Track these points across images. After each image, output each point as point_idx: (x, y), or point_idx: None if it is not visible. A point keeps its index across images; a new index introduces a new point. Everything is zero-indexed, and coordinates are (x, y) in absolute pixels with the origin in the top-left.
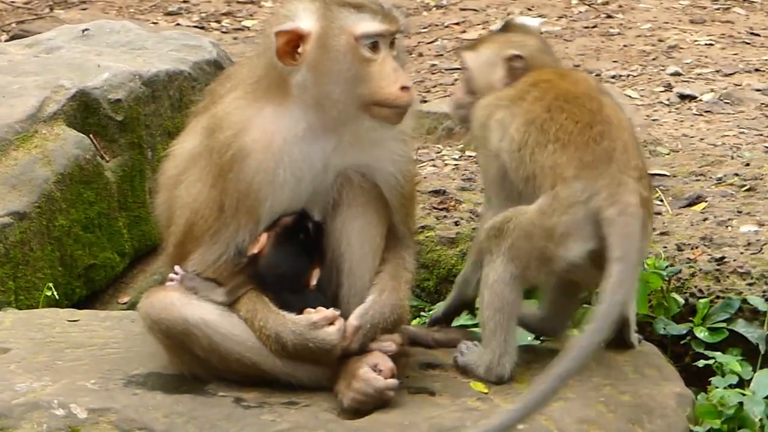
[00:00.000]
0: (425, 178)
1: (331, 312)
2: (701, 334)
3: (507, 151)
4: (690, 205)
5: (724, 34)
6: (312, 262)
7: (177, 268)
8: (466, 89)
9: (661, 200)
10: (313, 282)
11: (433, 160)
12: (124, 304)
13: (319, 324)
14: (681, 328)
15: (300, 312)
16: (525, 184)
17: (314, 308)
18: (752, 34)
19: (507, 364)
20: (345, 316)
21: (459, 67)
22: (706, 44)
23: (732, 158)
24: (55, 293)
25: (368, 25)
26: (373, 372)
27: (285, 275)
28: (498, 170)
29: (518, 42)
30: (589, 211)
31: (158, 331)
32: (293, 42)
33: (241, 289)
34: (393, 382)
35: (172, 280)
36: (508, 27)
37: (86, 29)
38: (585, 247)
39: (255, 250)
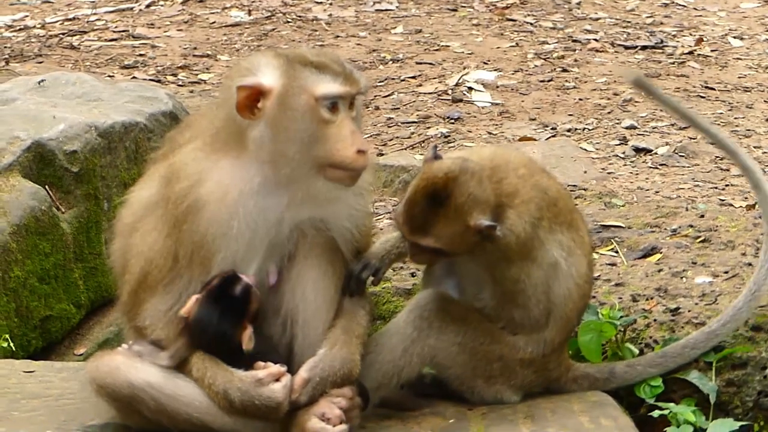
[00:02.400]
0: (381, 230)
1: (276, 368)
2: (655, 384)
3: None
4: (645, 256)
5: (679, 88)
6: (239, 324)
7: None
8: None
9: (616, 251)
10: (246, 342)
11: (389, 212)
12: (80, 355)
13: (264, 381)
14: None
15: (250, 368)
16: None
17: (259, 360)
18: (707, 87)
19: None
20: (298, 367)
21: (414, 120)
22: None
23: (687, 210)
24: (11, 344)
25: (329, 86)
26: (321, 422)
27: (212, 337)
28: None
29: (482, 204)
30: None
31: (105, 394)
32: (253, 97)
33: (183, 351)
34: (342, 428)
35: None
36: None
37: (42, 80)
38: None
39: (183, 314)
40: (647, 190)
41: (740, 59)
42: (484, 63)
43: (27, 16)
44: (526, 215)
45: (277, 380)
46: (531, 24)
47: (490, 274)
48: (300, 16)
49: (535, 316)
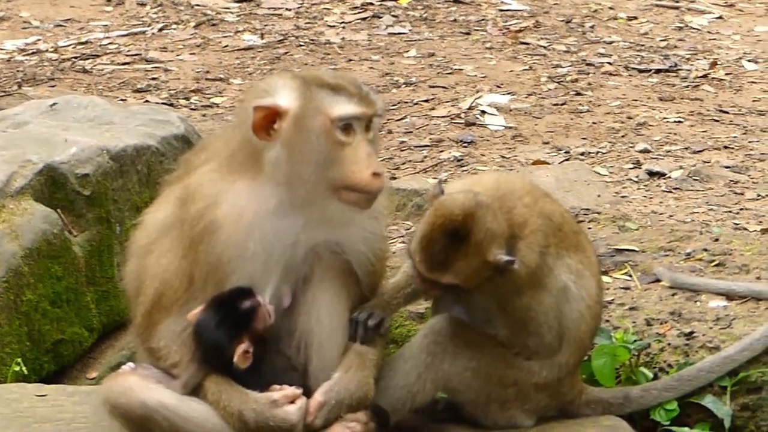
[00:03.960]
0: (394, 253)
1: (292, 390)
2: (671, 407)
3: None
4: (659, 280)
5: (693, 112)
6: (237, 337)
7: (128, 363)
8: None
9: (630, 275)
10: (238, 356)
11: (402, 236)
12: (93, 379)
13: (279, 402)
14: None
15: (265, 390)
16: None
17: (275, 383)
18: (721, 111)
19: None
20: (313, 390)
21: (427, 144)
22: (675, 121)
23: (701, 234)
24: (23, 368)
25: (344, 107)
26: None
27: (206, 344)
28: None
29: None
30: None
31: (118, 415)
32: (270, 118)
33: (196, 378)
34: None
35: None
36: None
37: (54, 104)
38: None
39: (189, 317)
40: (661, 213)
41: (754, 83)
42: (498, 86)
43: (39, 39)
44: (535, 245)
45: (292, 402)
46: (544, 47)
47: (499, 304)
48: (313, 40)
49: (548, 342)
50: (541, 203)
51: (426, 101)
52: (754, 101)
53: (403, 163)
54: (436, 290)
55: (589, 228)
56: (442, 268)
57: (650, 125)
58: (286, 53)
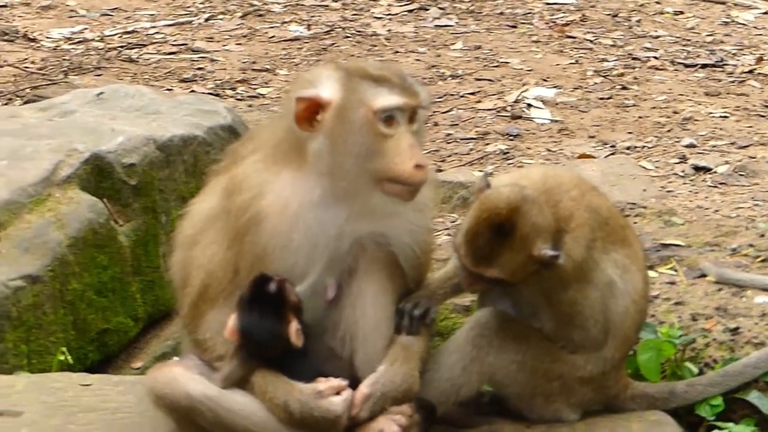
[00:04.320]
0: (440, 246)
1: (337, 382)
2: (716, 403)
3: None
4: (704, 275)
5: (738, 107)
6: (283, 318)
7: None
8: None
9: (676, 270)
10: (294, 337)
11: (447, 229)
12: (138, 369)
13: (324, 393)
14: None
15: (312, 380)
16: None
17: (322, 375)
18: (767, 106)
19: None
20: (358, 383)
21: (473, 137)
22: (720, 116)
23: (747, 229)
24: (68, 357)
25: (387, 99)
26: None
27: (262, 340)
28: None
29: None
30: None
31: (163, 405)
32: (312, 109)
33: (238, 372)
34: None
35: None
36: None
37: (101, 93)
38: None
39: (228, 336)
40: (707, 209)
41: None
42: (544, 80)
43: (86, 28)
44: (581, 239)
45: (338, 393)
46: (591, 41)
47: (545, 298)
48: (359, 31)
49: (593, 336)
50: (588, 197)
51: (472, 94)
52: None
53: (449, 156)
54: (481, 284)
55: (635, 222)
56: (487, 262)
57: (696, 120)
58: (332, 44)
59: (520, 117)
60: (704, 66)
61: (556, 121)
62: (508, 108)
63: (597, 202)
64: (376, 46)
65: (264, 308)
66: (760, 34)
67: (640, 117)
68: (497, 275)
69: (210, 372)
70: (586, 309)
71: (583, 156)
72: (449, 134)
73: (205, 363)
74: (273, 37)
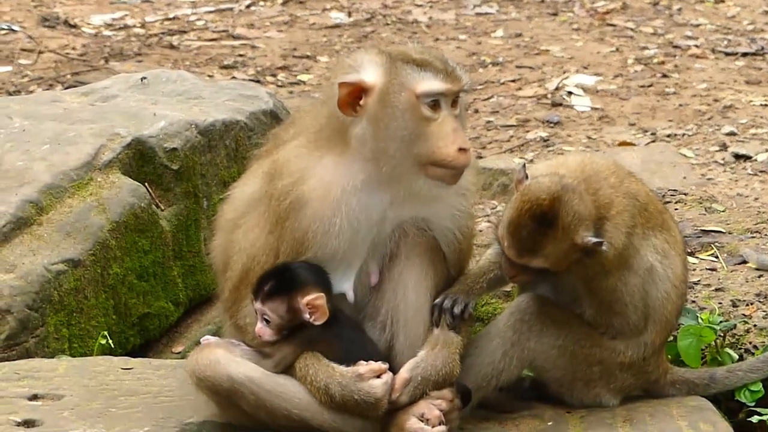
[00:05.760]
0: (481, 232)
1: (378, 365)
2: (756, 389)
3: None
4: (745, 262)
5: None
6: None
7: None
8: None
9: (716, 257)
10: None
11: (488, 215)
12: (178, 353)
13: (365, 376)
14: None
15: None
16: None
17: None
18: None
19: None
20: (400, 366)
21: (513, 124)
22: (761, 105)
23: None
24: (109, 341)
25: (430, 83)
26: (420, 422)
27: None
28: None
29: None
30: None
31: (205, 387)
32: (355, 94)
33: (290, 358)
34: (441, 429)
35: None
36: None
37: (144, 78)
38: None
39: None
40: (747, 196)
41: None
42: (584, 67)
43: (127, 15)
44: (622, 226)
45: (378, 377)
46: (631, 29)
47: (585, 285)
48: (400, 18)
49: (633, 322)
50: (626, 183)
51: (513, 81)
52: None
53: (490, 143)
54: (525, 275)
55: (676, 209)
56: (531, 253)
57: (736, 108)
58: (373, 31)
59: (560, 104)
60: (745, 54)
61: (597, 108)
62: (549, 95)
63: (635, 188)
64: (416, 33)
65: (276, 283)
66: None
67: (680, 105)
68: (542, 265)
69: (255, 355)
70: (627, 296)
71: (623, 143)
72: (490, 121)
73: (246, 346)
74: (314, 24)
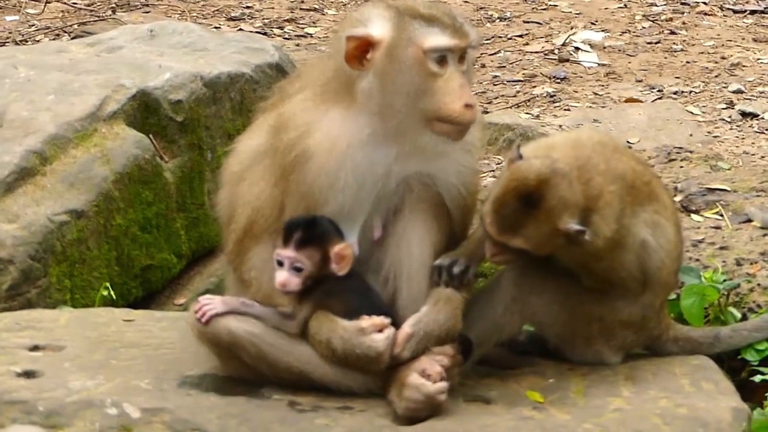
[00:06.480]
0: (485, 187)
1: (380, 320)
2: (762, 348)
3: None
4: (750, 220)
5: None
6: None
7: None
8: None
9: (721, 215)
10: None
11: (493, 171)
12: (181, 305)
13: (367, 330)
14: None
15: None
16: None
17: (371, 311)
18: None
19: None
20: (402, 322)
21: (520, 79)
22: None
23: None
24: (111, 293)
25: (437, 38)
26: (421, 378)
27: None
28: None
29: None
30: None
31: (206, 340)
32: (363, 47)
33: (307, 317)
34: (442, 385)
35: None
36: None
37: (151, 30)
38: None
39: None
40: (753, 154)
41: None
42: (592, 23)
43: None
44: (609, 217)
45: (380, 332)
46: None
47: (579, 266)
48: None
49: (632, 289)
50: (613, 164)
51: (520, 36)
52: None
53: (496, 98)
54: (504, 255)
55: (681, 167)
56: (512, 232)
57: (744, 66)
58: None
59: (567, 60)
60: (753, 12)
61: (604, 64)
62: (556, 51)
63: (621, 168)
64: None
65: (309, 232)
66: None
67: (687, 62)
68: (521, 246)
69: (271, 315)
70: (623, 272)
71: (629, 100)
72: (496, 76)
73: (260, 306)
74: None
